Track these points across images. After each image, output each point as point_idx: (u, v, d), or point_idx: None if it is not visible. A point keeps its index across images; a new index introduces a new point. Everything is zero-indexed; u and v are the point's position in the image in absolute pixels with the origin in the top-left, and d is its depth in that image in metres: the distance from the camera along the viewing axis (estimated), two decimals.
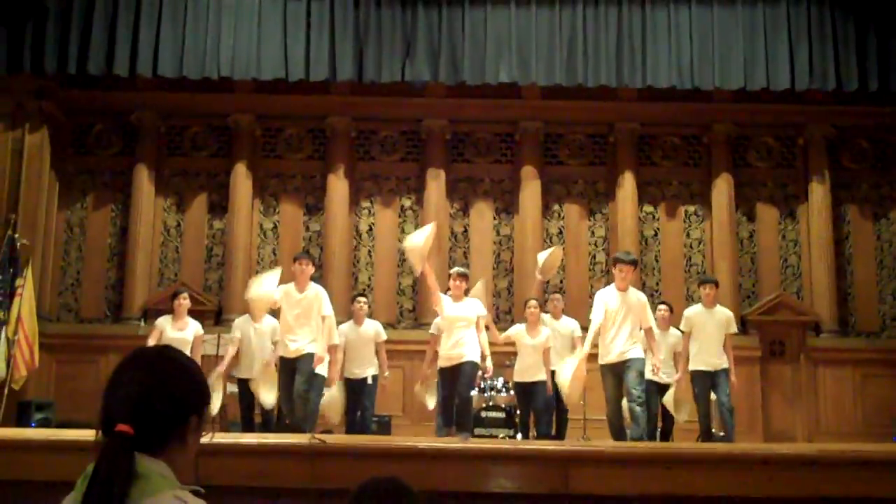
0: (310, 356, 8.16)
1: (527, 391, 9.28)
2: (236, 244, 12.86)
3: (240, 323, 9.50)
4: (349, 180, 13.08)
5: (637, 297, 8.11)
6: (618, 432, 7.93)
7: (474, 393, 9.13)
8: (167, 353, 1.89)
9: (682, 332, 9.15)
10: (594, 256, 13.15)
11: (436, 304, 8.16)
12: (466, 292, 8.38)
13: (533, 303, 9.49)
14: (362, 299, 9.81)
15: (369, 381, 9.62)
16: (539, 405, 9.23)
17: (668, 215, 13.22)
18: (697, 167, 13.35)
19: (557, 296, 10.25)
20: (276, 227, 13.14)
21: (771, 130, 13.38)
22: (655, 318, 8.68)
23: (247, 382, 9.25)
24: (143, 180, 12.99)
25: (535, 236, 12.91)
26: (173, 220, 13.15)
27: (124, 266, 12.83)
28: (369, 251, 13.06)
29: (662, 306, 9.74)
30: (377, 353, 9.76)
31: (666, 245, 13.12)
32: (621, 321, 7.92)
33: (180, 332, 9.11)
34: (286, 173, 13.28)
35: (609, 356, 7.92)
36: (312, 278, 8.49)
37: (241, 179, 13.02)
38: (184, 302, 9.25)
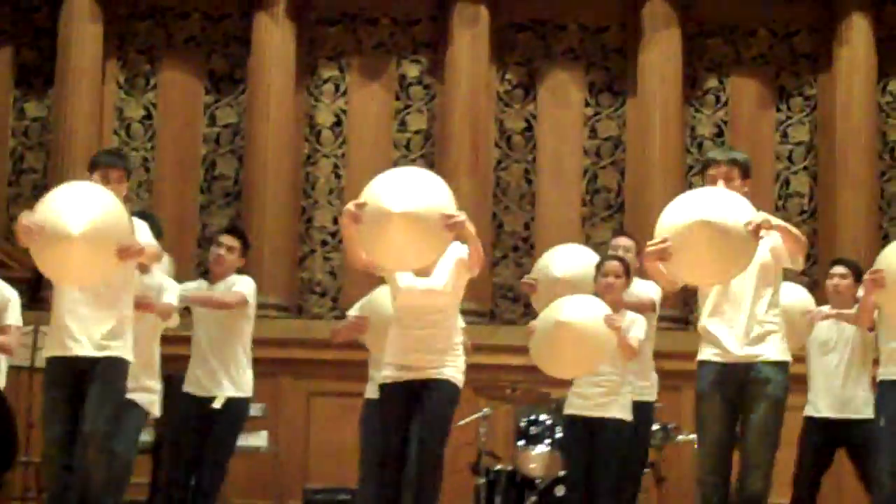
0: (117, 364, 6.05)
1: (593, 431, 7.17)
2: (71, 146, 10.25)
3: None
4: (297, 24, 10.49)
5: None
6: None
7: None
8: None
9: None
10: (786, 180, 10.25)
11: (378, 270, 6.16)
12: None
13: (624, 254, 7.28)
14: (227, 238, 7.56)
15: (219, 405, 7.27)
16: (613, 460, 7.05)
17: None
18: None
19: (624, 240, 7.95)
20: (150, 113, 10.67)
21: None
22: (827, 291, 7.43)
23: None
24: None
25: (670, 137, 10.10)
26: None
27: None
28: (336, 164, 10.57)
29: (839, 268, 7.49)
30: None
31: None
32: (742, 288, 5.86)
33: None
34: (173, 10, 10.78)
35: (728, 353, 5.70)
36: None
37: (82, 21, 10.37)
38: None
